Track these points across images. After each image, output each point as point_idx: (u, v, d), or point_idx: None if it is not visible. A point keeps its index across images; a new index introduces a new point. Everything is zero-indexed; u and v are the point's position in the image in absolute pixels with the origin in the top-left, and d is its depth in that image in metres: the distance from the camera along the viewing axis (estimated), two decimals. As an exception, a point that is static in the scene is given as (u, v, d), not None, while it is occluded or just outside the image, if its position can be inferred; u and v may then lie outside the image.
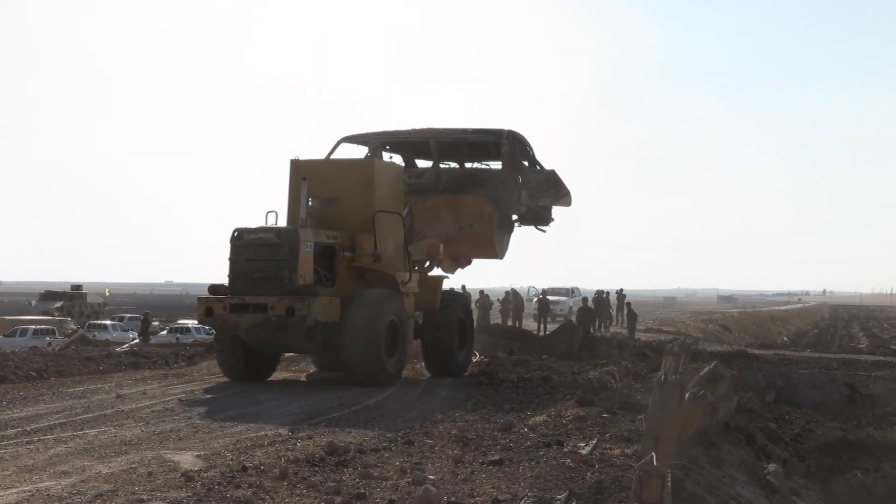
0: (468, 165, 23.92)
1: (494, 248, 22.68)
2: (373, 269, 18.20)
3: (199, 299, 17.66)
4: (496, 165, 23.19)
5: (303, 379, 19.24)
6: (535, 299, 44.24)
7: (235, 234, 17.31)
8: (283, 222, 18.19)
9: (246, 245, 17.19)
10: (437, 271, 20.87)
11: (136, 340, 36.64)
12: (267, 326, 16.63)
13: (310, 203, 17.85)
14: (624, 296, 44.04)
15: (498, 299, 43.48)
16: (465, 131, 22.72)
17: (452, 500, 8.53)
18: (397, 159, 23.40)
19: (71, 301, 63.04)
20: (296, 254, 16.81)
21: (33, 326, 42.16)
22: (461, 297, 20.97)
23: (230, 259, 17.30)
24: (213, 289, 17.60)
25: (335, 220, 18.12)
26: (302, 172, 18.21)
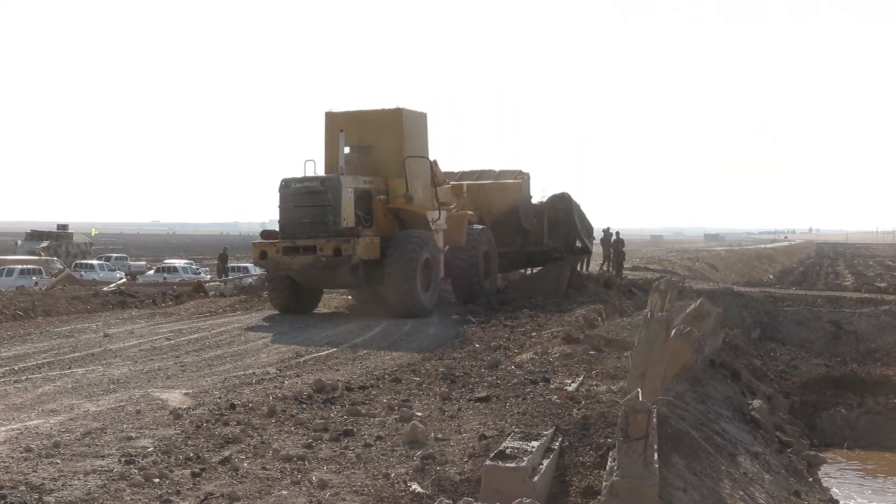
0: None
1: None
2: (406, 210, 19.73)
3: (254, 244, 18.97)
4: None
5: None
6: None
7: (283, 183, 18.68)
8: (320, 170, 19.52)
9: (293, 193, 18.57)
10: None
11: (123, 280, 36.57)
12: (316, 266, 18.06)
13: (346, 151, 19.23)
14: (611, 234, 44.05)
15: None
16: None
17: (440, 436, 8.58)
18: None
19: (57, 241, 62.75)
20: (339, 199, 18.27)
21: (20, 266, 42.00)
22: (485, 231, 22.28)
23: (280, 206, 18.72)
24: (266, 234, 19.20)
25: (369, 167, 19.64)
26: (337, 124, 19.71)
